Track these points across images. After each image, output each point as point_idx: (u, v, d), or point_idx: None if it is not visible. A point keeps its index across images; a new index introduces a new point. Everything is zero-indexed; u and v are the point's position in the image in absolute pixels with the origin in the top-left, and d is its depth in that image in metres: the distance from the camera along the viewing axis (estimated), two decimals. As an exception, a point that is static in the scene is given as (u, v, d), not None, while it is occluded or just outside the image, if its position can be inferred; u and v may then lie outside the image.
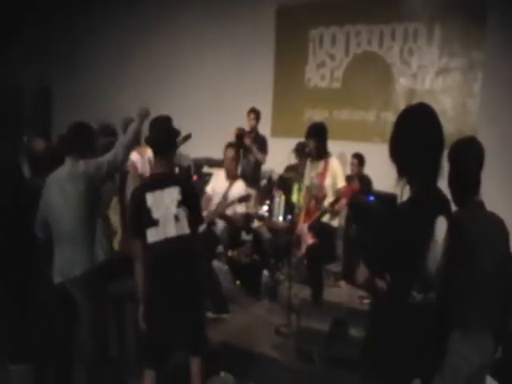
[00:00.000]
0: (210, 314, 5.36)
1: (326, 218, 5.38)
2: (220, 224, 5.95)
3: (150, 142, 3.76)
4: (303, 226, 5.51)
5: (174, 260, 3.58)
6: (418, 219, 2.39)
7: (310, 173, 5.60)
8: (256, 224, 6.78)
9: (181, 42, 10.34)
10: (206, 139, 7.81)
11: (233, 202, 5.60)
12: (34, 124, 11.25)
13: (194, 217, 3.67)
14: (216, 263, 6.51)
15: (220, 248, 6.33)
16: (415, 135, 2.45)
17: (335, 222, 5.46)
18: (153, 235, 3.53)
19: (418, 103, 2.61)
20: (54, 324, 4.19)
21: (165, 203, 3.54)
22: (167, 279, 3.58)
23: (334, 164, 5.39)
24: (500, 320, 2.83)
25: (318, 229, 5.38)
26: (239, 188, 5.88)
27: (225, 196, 5.70)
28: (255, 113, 7.81)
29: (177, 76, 10.27)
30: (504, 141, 7.12)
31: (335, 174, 5.32)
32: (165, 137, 3.68)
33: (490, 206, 2.87)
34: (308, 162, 5.66)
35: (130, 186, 5.53)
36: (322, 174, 5.39)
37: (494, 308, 2.79)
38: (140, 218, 3.56)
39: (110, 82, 10.92)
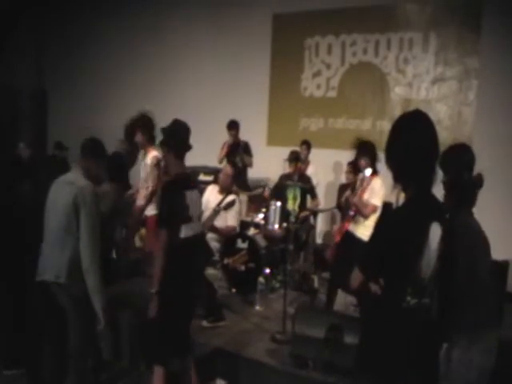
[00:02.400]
0: (205, 323, 5.36)
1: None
2: (210, 235, 6.03)
3: (174, 143, 3.84)
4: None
5: (197, 255, 3.87)
6: (412, 224, 2.40)
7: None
8: (252, 231, 6.79)
9: (177, 50, 10.39)
10: (201, 148, 7.82)
11: (219, 211, 5.68)
12: (30, 129, 11.23)
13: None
14: (211, 271, 6.52)
15: (216, 256, 6.36)
16: (410, 141, 2.47)
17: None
18: (187, 231, 3.71)
19: (414, 110, 2.63)
20: (46, 329, 4.21)
21: (195, 202, 3.84)
22: (190, 274, 3.78)
23: (377, 184, 5.44)
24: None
25: (345, 234, 5.59)
26: (231, 198, 5.95)
27: (215, 208, 5.76)
28: (235, 124, 8.00)
29: (173, 84, 10.30)
30: (499, 148, 7.16)
31: (373, 191, 5.38)
32: (187, 137, 3.87)
33: (486, 212, 2.91)
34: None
35: None
36: (364, 189, 5.45)
37: (495, 311, 2.82)
38: (178, 212, 3.68)
39: (106, 86, 10.95)
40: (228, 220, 6.03)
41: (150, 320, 3.68)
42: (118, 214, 4.94)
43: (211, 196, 6.20)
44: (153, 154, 5.82)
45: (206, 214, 5.86)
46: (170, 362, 3.79)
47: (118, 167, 4.83)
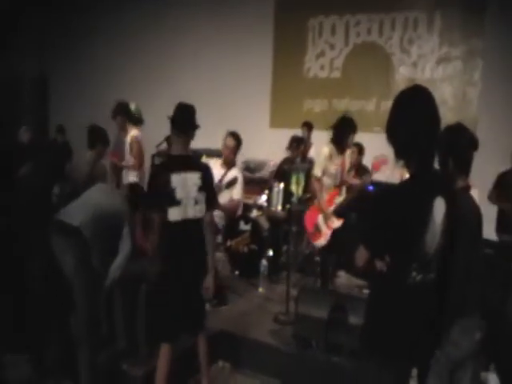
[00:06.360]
0: (207, 307, 5.31)
1: None
2: (216, 213, 5.91)
3: (175, 125, 3.86)
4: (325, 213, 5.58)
5: (189, 240, 3.76)
6: (415, 198, 2.37)
7: (331, 163, 5.59)
8: (254, 213, 6.75)
9: (179, 33, 10.29)
10: (204, 130, 7.78)
11: (221, 188, 5.60)
12: (32, 113, 11.22)
13: (211, 202, 3.90)
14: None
15: (218, 238, 6.30)
16: (411, 116, 2.43)
17: None
18: (174, 214, 3.68)
19: (414, 85, 2.59)
20: (49, 312, 4.21)
21: (187, 186, 3.72)
22: (182, 257, 3.73)
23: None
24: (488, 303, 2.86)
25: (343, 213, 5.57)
26: (233, 174, 5.83)
27: (219, 184, 5.65)
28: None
29: (175, 67, 10.23)
30: (504, 128, 7.10)
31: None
32: (188, 117, 3.85)
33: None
34: (332, 153, 5.62)
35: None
36: (343, 164, 5.49)
37: (482, 291, 2.82)
38: (163, 195, 3.69)
39: (108, 73, 10.89)
40: (233, 194, 5.86)
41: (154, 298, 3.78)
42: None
43: (214, 170, 6.05)
44: (132, 134, 6.59)
45: None
46: (176, 340, 3.80)
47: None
